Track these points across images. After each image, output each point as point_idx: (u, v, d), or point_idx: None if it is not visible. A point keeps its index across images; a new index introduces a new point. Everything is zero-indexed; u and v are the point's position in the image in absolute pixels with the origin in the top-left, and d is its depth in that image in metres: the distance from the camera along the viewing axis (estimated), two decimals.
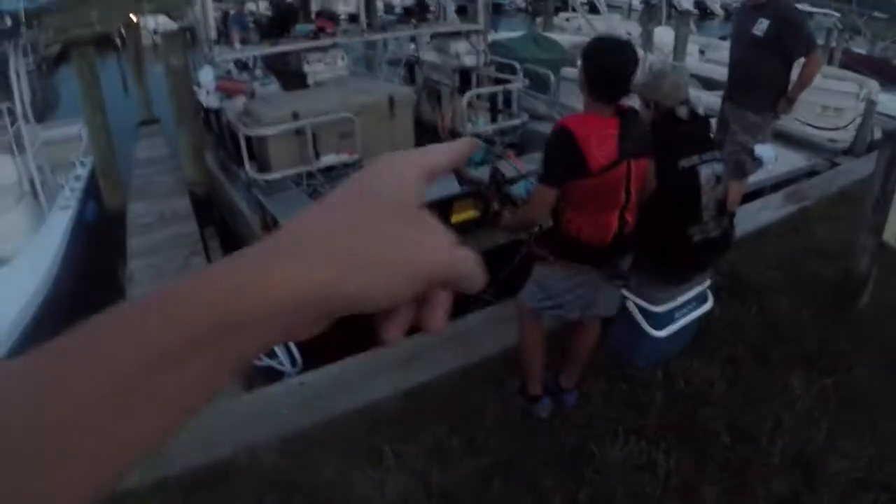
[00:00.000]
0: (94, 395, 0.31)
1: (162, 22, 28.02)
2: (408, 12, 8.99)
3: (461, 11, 7.82)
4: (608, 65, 2.64)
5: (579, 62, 2.77)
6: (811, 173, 8.48)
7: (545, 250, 2.90)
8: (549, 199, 2.68)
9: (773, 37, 4.60)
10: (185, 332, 0.33)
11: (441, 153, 0.48)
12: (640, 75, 8.50)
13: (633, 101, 3.41)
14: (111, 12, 30.23)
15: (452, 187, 5.50)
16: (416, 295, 0.41)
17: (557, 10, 17.10)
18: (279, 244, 0.37)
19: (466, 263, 0.43)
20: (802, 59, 4.70)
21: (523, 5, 35.74)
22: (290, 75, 7.10)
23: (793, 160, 8.71)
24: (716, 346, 3.83)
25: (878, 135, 10.69)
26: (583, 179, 2.59)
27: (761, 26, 4.64)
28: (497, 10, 36.69)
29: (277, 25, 8.52)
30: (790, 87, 4.75)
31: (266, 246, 0.37)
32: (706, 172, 3.16)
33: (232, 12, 8.23)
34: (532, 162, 5.34)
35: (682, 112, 3.20)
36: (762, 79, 4.72)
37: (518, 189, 3.12)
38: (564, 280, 2.91)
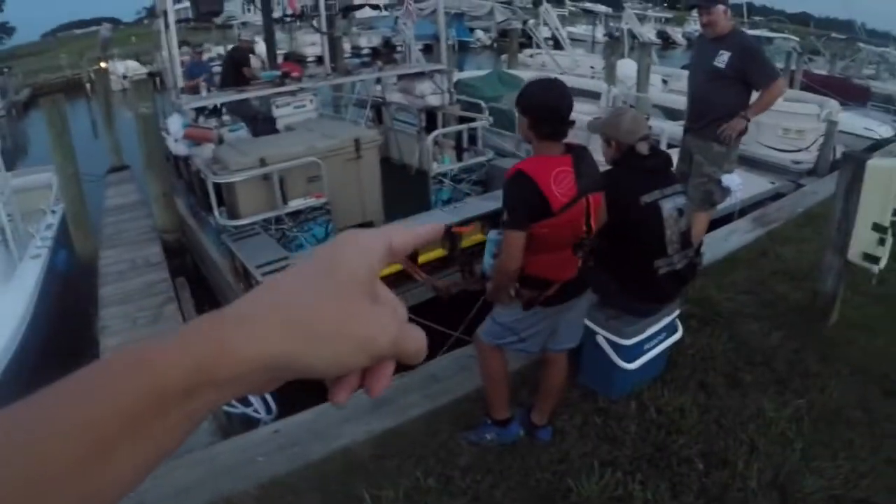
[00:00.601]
0: (74, 452, 0.33)
1: (131, 67, 28.00)
2: (375, 53, 9.12)
3: (427, 50, 7.94)
4: (545, 102, 2.69)
5: (516, 112, 2.79)
6: (777, 196, 8.63)
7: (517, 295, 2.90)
8: (519, 243, 2.69)
9: (734, 69, 4.68)
10: (168, 388, 0.36)
11: (406, 235, 0.50)
12: (602, 111, 8.70)
13: (594, 140, 3.50)
14: (80, 58, 30.19)
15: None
16: (365, 366, 0.44)
17: (522, 47, 17.31)
18: (253, 310, 0.41)
19: (413, 343, 0.46)
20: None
21: (489, 43, 36.23)
22: (259, 120, 7.13)
23: (758, 184, 8.86)
24: (687, 374, 3.87)
25: (840, 154, 10.92)
26: (546, 219, 2.62)
27: (722, 58, 4.72)
28: (463, 48, 37.15)
29: (232, 70, 8.56)
30: (747, 108, 4.80)
31: (241, 310, 0.41)
32: (668, 206, 3.22)
33: (187, 59, 8.27)
34: (493, 199, 5.40)
35: (643, 148, 3.26)
36: (724, 109, 4.78)
37: (484, 265, 3.14)
38: (528, 316, 2.92)
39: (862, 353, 4.18)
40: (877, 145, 12.94)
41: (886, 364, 4.06)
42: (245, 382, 0.39)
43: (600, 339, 3.45)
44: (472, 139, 7.08)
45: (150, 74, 18.32)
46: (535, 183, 2.60)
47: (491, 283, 2.92)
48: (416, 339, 0.47)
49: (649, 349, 3.54)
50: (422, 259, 5.51)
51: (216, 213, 5.45)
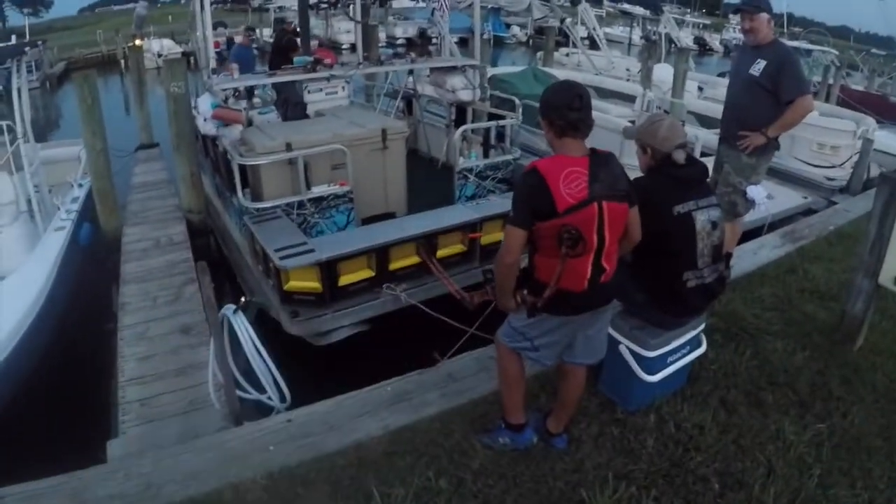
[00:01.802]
0: None
1: (167, 45, 28.28)
2: (410, 44, 9.10)
3: (462, 43, 7.88)
4: (558, 101, 2.65)
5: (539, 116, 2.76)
6: (808, 211, 8.52)
7: (522, 301, 2.84)
8: (518, 240, 2.64)
9: (769, 78, 4.61)
10: None
11: None
12: (636, 114, 8.58)
13: (632, 148, 3.42)
14: (117, 34, 30.47)
15: (437, 221, 5.51)
16: None
17: (558, 45, 17.18)
18: None
19: None
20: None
21: (524, 39, 36.00)
22: (290, 104, 7.13)
23: (790, 198, 8.75)
24: (709, 390, 3.79)
25: (875, 172, 10.74)
26: (550, 219, 2.56)
27: (758, 66, 4.65)
28: (498, 43, 37.01)
29: (279, 54, 8.60)
30: (772, 125, 4.71)
31: None
32: (702, 218, 3.16)
33: (238, 41, 8.29)
34: None
35: (679, 156, 3.18)
36: (756, 119, 4.70)
37: None
38: (539, 324, 2.86)
39: (887, 379, 4.07)
40: None
41: None
42: None
43: (623, 349, 3.39)
44: (501, 136, 7.02)
45: (185, 54, 18.45)
46: (543, 180, 2.54)
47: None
48: None
49: (672, 362, 3.47)
50: (440, 254, 5.48)
51: (240, 194, 5.46)
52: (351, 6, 8.24)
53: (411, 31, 29.03)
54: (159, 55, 24.06)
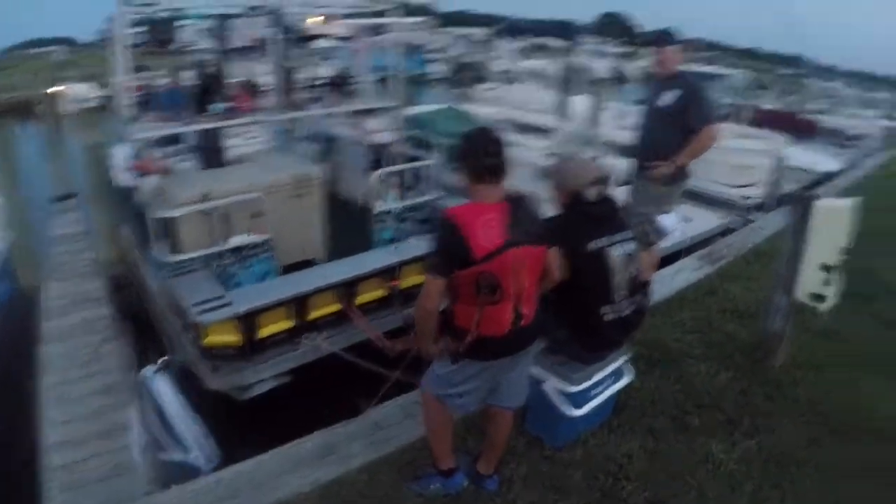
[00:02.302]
0: None
1: (85, 90, 27.43)
2: (333, 84, 9.07)
3: (382, 81, 7.91)
4: (471, 148, 2.68)
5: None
6: (727, 231, 8.77)
7: (444, 347, 2.83)
8: (437, 288, 2.63)
9: (678, 109, 4.75)
10: None
11: None
12: (554, 146, 8.69)
13: (543, 186, 3.47)
14: (35, 77, 29.55)
15: (355, 268, 5.50)
16: None
17: (478, 81, 17.38)
18: None
19: None
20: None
21: (445, 75, 36.43)
22: (209, 151, 7.02)
23: (708, 220, 9.02)
24: (635, 419, 3.83)
25: (788, 188, 11.22)
26: (468, 267, 2.56)
27: (668, 98, 4.79)
28: (419, 81, 37.21)
29: (201, 98, 8.45)
30: (681, 154, 4.82)
31: None
32: (617, 253, 3.20)
33: (163, 85, 8.11)
34: None
35: (591, 194, 3.23)
36: (667, 150, 4.81)
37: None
38: (462, 370, 2.85)
39: (809, 392, 4.20)
40: (824, 179, 13.33)
41: (834, 403, 4.09)
42: None
43: (547, 386, 3.41)
44: (419, 177, 7.06)
45: (104, 100, 18.05)
46: (459, 228, 2.55)
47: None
48: None
49: (596, 395, 3.50)
50: (361, 300, 5.46)
51: (158, 247, 5.32)
52: (270, 50, 8.14)
53: (333, 72, 28.93)
54: (79, 100, 23.49)
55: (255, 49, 8.87)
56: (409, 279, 5.63)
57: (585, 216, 3.22)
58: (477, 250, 2.54)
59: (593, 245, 3.15)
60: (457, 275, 2.60)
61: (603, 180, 3.32)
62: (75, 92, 26.09)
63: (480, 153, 2.64)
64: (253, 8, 6.64)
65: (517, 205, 2.69)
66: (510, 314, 2.70)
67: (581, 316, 3.25)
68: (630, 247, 3.29)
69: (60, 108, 13.95)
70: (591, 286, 3.20)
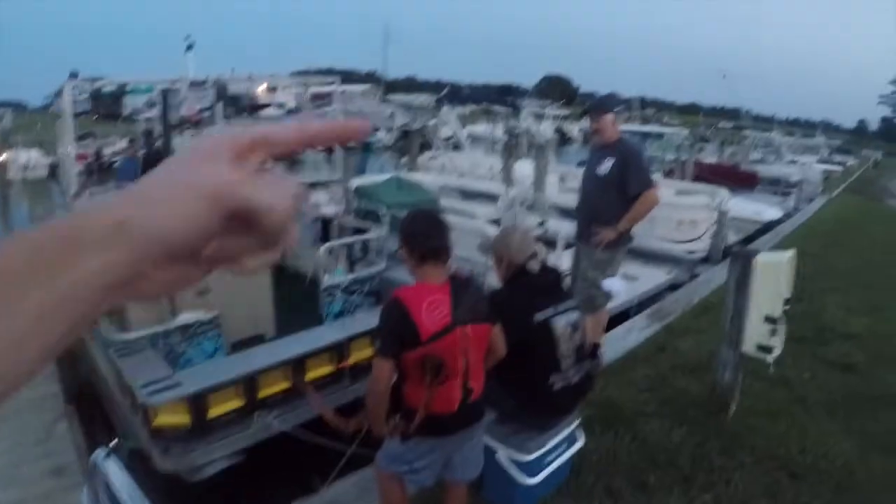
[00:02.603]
0: None
1: (33, 157, 26.75)
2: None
3: (329, 152, 7.95)
4: (417, 230, 2.73)
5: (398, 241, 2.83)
6: (674, 286, 8.94)
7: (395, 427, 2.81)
8: (386, 371, 2.64)
9: (616, 175, 4.87)
10: (41, 254, 0.39)
11: (273, 126, 0.49)
12: (499, 211, 8.74)
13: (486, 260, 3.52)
14: None
15: (304, 345, 5.48)
16: (221, 220, 0.43)
17: (424, 148, 17.51)
18: (117, 195, 0.44)
19: (266, 190, 0.44)
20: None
21: (391, 143, 36.74)
22: None
23: (654, 276, 9.13)
24: (592, 481, 3.81)
25: (733, 239, 11.55)
26: (415, 348, 2.58)
27: (606, 165, 4.91)
28: (365, 149, 37.41)
29: (146, 171, 8.40)
30: (622, 219, 4.92)
31: (108, 197, 0.43)
32: (562, 323, 3.24)
33: (120, 153, 8.02)
34: None
35: (533, 266, 3.30)
36: (608, 215, 4.91)
37: None
38: (415, 447, 2.84)
39: (765, 439, 4.28)
40: (767, 228, 13.78)
41: (790, 447, 4.17)
42: (108, 249, 0.40)
43: (501, 457, 3.39)
44: (368, 249, 7.12)
45: (52, 166, 17.75)
46: (406, 310, 2.58)
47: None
48: (270, 189, 0.45)
49: (551, 461, 3.49)
50: (311, 375, 5.42)
51: (104, 326, 5.23)
52: (211, 124, 8.14)
53: None
54: (26, 167, 23.04)
55: (197, 125, 8.85)
56: (360, 353, 5.61)
57: (531, 288, 3.28)
58: (423, 331, 2.56)
59: (540, 316, 3.19)
60: (405, 356, 2.62)
61: (536, 255, 3.39)
62: (23, 158, 25.49)
63: (422, 237, 2.70)
64: (195, 83, 6.67)
65: (462, 284, 2.74)
66: (459, 391, 2.72)
67: (530, 386, 3.27)
68: (574, 316, 3.33)
69: (9, 174, 13.62)
70: (540, 357, 3.22)
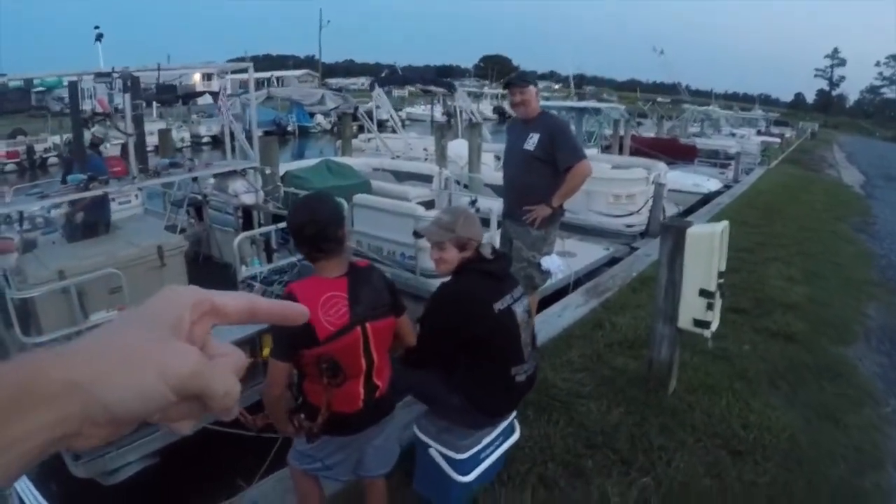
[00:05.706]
0: None
1: None
2: (216, 142, 8.95)
3: (277, 134, 7.71)
4: (296, 223, 2.55)
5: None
6: (612, 261, 8.92)
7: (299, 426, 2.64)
8: (281, 373, 2.48)
9: (543, 150, 4.72)
10: None
11: (239, 301, 0.54)
12: (434, 193, 8.56)
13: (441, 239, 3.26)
14: None
15: (220, 337, 5.25)
16: (170, 403, 0.45)
17: (360, 131, 17.31)
18: (70, 347, 0.45)
19: (221, 381, 0.47)
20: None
21: (329, 127, 36.06)
22: (77, 223, 6.67)
23: (592, 252, 9.13)
24: (526, 470, 3.67)
25: (671, 212, 11.64)
26: (312, 348, 2.42)
27: (532, 140, 4.76)
28: (304, 134, 36.86)
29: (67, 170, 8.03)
30: (555, 195, 4.79)
31: (61, 348, 0.45)
32: (520, 310, 3.05)
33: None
34: None
35: (487, 250, 3.07)
36: (539, 192, 4.78)
37: None
38: (324, 445, 2.70)
39: (705, 415, 4.19)
40: (706, 199, 13.97)
41: (732, 423, 4.10)
42: (60, 407, 0.42)
43: (433, 453, 3.23)
44: (288, 238, 6.84)
45: None
46: None
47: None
48: (226, 378, 0.48)
49: (486, 457, 3.32)
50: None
51: (16, 329, 4.94)
52: (120, 120, 7.76)
53: (216, 129, 28.03)
54: None
55: (108, 118, 8.49)
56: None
57: (487, 275, 3.02)
58: (320, 331, 2.40)
59: (500, 305, 2.97)
60: (302, 354, 2.45)
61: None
62: None
63: (310, 228, 2.49)
64: (100, 74, 6.33)
65: (363, 278, 2.58)
66: (362, 390, 2.58)
67: (489, 381, 3.05)
68: (526, 302, 3.16)
69: None
70: (504, 348, 3.02)
